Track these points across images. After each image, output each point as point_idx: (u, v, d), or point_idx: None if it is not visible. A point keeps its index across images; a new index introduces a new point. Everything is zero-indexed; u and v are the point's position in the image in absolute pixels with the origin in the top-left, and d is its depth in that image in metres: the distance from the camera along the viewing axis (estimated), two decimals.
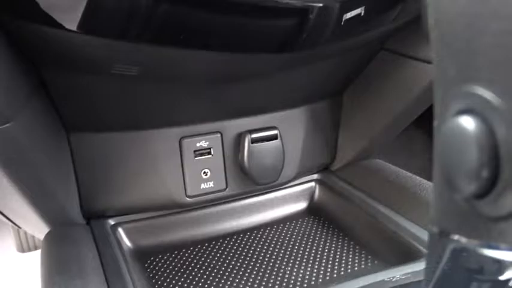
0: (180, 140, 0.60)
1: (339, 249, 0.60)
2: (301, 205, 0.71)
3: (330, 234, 0.64)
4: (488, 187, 0.18)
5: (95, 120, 0.56)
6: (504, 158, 0.17)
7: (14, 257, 1.19)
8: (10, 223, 0.68)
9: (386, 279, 0.49)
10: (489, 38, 0.17)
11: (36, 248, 1.07)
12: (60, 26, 0.37)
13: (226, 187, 0.64)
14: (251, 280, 0.55)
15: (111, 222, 0.61)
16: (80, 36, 0.38)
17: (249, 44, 0.46)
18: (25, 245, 1.07)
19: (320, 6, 0.44)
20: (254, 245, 0.63)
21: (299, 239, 0.63)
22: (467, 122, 0.18)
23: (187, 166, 0.61)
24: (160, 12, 0.38)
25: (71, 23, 0.37)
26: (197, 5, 0.39)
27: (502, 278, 0.21)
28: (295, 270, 0.57)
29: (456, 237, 0.22)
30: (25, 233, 1.04)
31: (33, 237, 1.05)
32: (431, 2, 0.19)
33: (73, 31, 0.38)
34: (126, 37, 0.39)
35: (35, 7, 0.36)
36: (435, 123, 0.20)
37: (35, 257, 1.14)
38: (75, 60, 0.43)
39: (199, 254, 0.61)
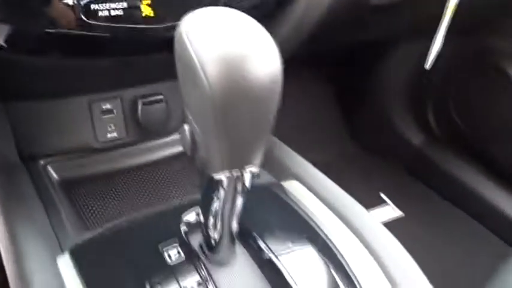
0: (90, 104, 0.84)
1: None
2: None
3: None
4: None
5: (29, 92, 0.77)
6: (198, 143, 0.45)
7: None
8: None
9: None
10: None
11: None
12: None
13: (127, 135, 0.89)
14: (145, 197, 0.83)
15: (42, 162, 0.84)
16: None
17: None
18: None
19: None
20: (148, 176, 0.89)
21: (181, 171, 0.91)
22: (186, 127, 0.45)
23: (97, 122, 0.85)
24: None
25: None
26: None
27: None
28: (171, 190, 0.85)
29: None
30: None
31: None
32: None
33: None
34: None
35: None
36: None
37: None
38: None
39: (110, 184, 0.86)
